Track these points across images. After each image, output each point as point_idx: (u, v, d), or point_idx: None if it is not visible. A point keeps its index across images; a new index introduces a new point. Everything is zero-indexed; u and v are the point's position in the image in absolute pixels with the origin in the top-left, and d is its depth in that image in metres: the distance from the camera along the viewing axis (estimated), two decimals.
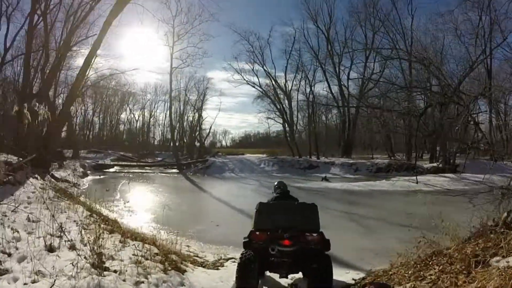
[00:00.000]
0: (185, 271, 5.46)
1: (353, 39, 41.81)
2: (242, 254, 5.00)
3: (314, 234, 5.00)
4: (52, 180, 16.25)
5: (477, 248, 4.44)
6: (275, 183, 6.42)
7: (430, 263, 5.14)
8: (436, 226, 10.24)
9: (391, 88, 34.49)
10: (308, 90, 45.36)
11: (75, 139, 43.83)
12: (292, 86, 46.09)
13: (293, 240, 4.77)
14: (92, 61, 22.10)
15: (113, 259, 4.65)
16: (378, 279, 5.71)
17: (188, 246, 8.48)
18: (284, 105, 45.48)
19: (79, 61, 35.65)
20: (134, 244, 5.54)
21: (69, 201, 9.99)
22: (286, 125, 45.49)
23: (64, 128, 43.22)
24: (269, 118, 48.02)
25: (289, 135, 45.40)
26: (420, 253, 5.89)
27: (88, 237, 5.11)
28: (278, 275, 5.33)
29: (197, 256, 7.36)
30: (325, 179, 25.68)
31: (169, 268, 5.02)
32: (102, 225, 6.82)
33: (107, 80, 45.50)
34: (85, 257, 4.26)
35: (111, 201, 15.35)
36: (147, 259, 5.00)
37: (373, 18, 39.08)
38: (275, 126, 51.06)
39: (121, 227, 8.12)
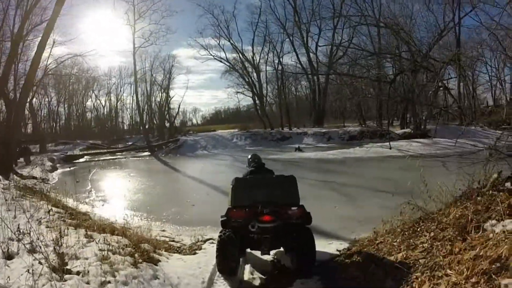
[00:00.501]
0: (158, 261, 4.97)
1: (321, 7, 41.06)
2: (220, 233, 4.82)
3: (295, 208, 4.79)
4: (18, 178, 15.22)
5: (466, 212, 4.17)
6: (249, 156, 6.18)
7: (419, 229, 4.88)
8: (415, 191, 10.30)
9: (361, 55, 34.79)
10: (276, 61, 44.82)
11: (41, 133, 42.35)
12: (260, 58, 45.48)
13: (273, 215, 4.57)
14: (48, 46, 20.71)
15: (76, 258, 4.12)
16: (365, 249, 5.44)
17: (163, 230, 8.07)
18: (253, 78, 44.99)
19: None
20: (101, 238, 5.01)
21: (35, 198, 9.26)
22: (256, 98, 45.10)
23: (29, 122, 41.82)
24: (238, 92, 47.49)
25: (260, 108, 45.07)
26: (405, 219, 5.61)
27: (51, 237, 4.58)
28: (259, 252, 5.14)
29: (173, 241, 6.92)
30: (299, 149, 25.66)
31: (140, 261, 4.51)
32: (67, 220, 6.26)
33: (68, 67, 44.58)
34: (45, 260, 3.71)
35: (83, 192, 14.59)
36: (115, 253, 4.48)
37: None
38: (245, 100, 50.65)
39: (91, 219, 7.61)
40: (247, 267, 5.33)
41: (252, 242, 4.83)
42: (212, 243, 6.43)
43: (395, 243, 4.90)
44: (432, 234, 4.37)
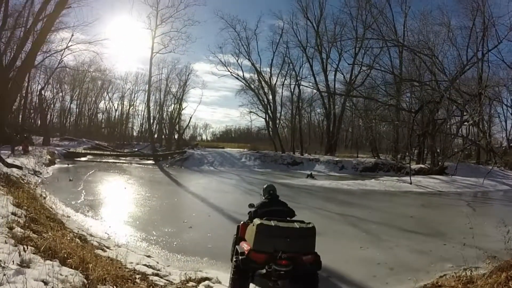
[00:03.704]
0: None
1: (343, 34, 40.23)
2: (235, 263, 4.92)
3: (309, 256, 4.86)
4: (0, 164, 13.86)
5: None
6: (265, 186, 6.17)
7: None
8: (447, 233, 8.83)
9: (382, 81, 33.81)
10: (293, 84, 43.76)
11: (47, 125, 41.53)
12: (277, 80, 44.67)
13: (290, 260, 4.66)
14: (65, 40, 20.16)
15: None
16: None
17: (148, 256, 6.46)
18: (268, 99, 43.79)
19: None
20: (43, 268, 3.46)
21: (2, 191, 7.85)
22: (269, 120, 43.89)
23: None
24: (252, 112, 46.22)
25: (272, 129, 43.85)
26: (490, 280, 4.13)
27: None
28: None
29: (157, 275, 5.24)
30: (311, 176, 24.06)
31: None
32: (16, 229, 4.75)
33: (86, 65, 45.20)
34: None
35: (72, 193, 13.67)
36: None
37: (365, 14, 37.66)
38: (257, 120, 49.83)
39: (61, 229, 6.12)
40: None
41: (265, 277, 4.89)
42: (209, 286, 4.99)
43: None
44: None
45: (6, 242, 3.96)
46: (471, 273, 5.40)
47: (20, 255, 3.69)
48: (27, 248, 3.94)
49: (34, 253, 3.91)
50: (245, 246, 5.02)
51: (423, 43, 29.27)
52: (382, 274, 6.38)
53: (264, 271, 4.76)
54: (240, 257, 4.86)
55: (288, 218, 5.49)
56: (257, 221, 4.96)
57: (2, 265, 3.37)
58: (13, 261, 3.54)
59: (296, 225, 5.02)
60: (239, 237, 5.59)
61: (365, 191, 19.01)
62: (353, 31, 39.23)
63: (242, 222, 5.75)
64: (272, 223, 4.95)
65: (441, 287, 5.40)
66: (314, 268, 4.91)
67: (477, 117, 21.83)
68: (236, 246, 5.27)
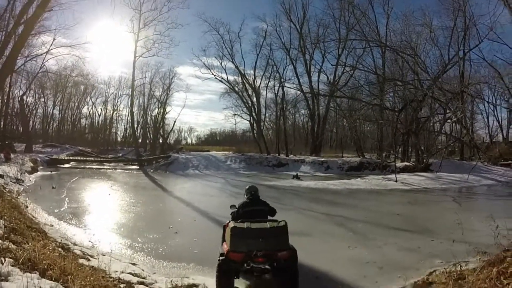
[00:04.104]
0: None
1: (326, 36, 40.40)
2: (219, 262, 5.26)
3: (284, 252, 5.24)
4: None
5: None
6: (247, 187, 6.49)
7: None
8: (434, 230, 8.87)
9: (365, 81, 34.11)
10: (277, 86, 43.78)
11: (29, 132, 40.73)
12: (261, 82, 44.60)
13: (265, 257, 5.10)
14: (47, 44, 19.91)
15: None
16: None
17: (133, 264, 6.27)
18: (252, 101, 43.70)
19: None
20: (22, 280, 3.29)
21: None
22: (254, 122, 43.84)
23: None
24: (236, 114, 46.22)
25: (257, 131, 43.82)
26: (481, 275, 4.10)
27: None
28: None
29: (143, 283, 5.06)
30: (297, 177, 23.99)
31: None
32: None
33: (68, 70, 44.89)
34: None
35: (55, 200, 13.37)
36: None
37: (348, 16, 37.71)
38: (242, 123, 49.72)
39: (42, 239, 5.89)
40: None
41: (245, 273, 5.41)
42: None
43: None
44: None
45: None
46: (461, 269, 5.39)
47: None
48: (5, 260, 3.74)
49: (12, 265, 3.71)
50: (224, 247, 5.48)
51: (406, 43, 29.74)
52: (371, 273, 6.31)
53: (246, 268, 5.15)
54: (220, 258, 5.31)
55: (269, 217, 5.97)
56: (231, 224, 5.45)
57: None
58: None
59: (268, 225, 5.43)
60: (223, 237, 5.98)
61: (351, 190, 19.03)
62: (336, 33, 39.45)
63: (226, 223, 5.98)
64: (245, 225, 5.34)
65: (432, 283, 5.38)
66: (289, 263, 5.27)
67: (460, 114, 22.12)
68: (219, 247, 5.82)
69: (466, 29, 30.63)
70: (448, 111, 25.43)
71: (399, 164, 28.04)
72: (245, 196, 6.29)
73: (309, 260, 6.57)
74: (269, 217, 6.00)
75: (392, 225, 10.43)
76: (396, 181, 21.36)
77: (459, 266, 5.49)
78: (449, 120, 26.39)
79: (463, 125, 27.72)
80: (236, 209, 6.11)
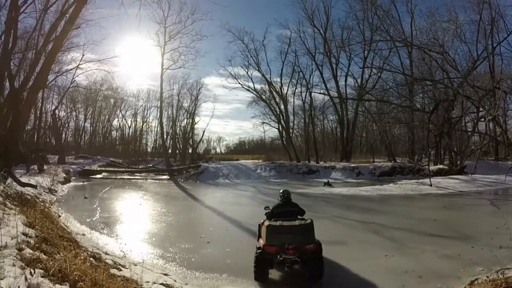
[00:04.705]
0: None
1: (351, 38, 39.98)
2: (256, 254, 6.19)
3: (311, 245, 6.12)
4: (13, 184, 13.75)
5: None
6: (281, 191, 7.41)
7: None
8: (475, 236, 8.55)
9: (393, 82, 33.30)
10: (304, 92, 43.45)
11: (61, 144, 42.12)
12: (288, 89, 44.39)
13: (295, 249, 5.91)
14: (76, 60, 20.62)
15: None
16: None
17: (165, 274, 6.25)
18: (280, 109, 43.49)
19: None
20: None
21: (14, 210, 7.76)
22: (282, 130, 43.60)
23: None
24: (264, 123, 46.21)
25: (286, 139, 43.51)
26: None
27: None
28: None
29: None
30: (328, 184, 23.61)
31: None
32: (26, 250, 4.57)
33: (98, 84, 46.62)
34: None
35: (87, 210, 13.60)
36: None
37: (371, 17, 37.24)
38: (270, 131, 49.54)
39: (74, 249, 5.96)
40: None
41: (278, 264, 6.23)
42: None
43: None
44: None
45: (14, 265, 3.80)
46: (504, 276, 5.08)
47: (26, 279, 3.51)
48: (35, 271, 3.76)
49: (42, 277, 3.73)
50: (261, 242, 6.40)
51: (433, 41, 28.73)
52: (411, 283, 6.06)
53: (279, 259, 5.92)
54: (257, 251, 6.21)
55: (299, 216, 6.81)
56: (266, 222, 6.48)
57: None
58: (18, 287, 3.37)
59: (297, 222, 6.43)
60: (259, 234, 6.89)
61: (384, 196, 18.54)
62: (360, 35, 39.07)
63: (262, 222, 6.92)
64: (278, 223, 6.37)
65: None
66: (315, 255, 6.12)
67: (494, 112, 21.12)
68: (256, 242, 6.75)
69: (493, 22, 29.48)
70: (481, 109, 24.35)
71: (432, 167, 27.11)
72: (279, 199, 7.22)
73: (346, 270, 6.59)
74: (298, 217, 6.81)
75: (430, 231, 10.00)
76: (431, 185, 20.66)
77: (502, 273, 5.17)
78: (482, 119, 25.19)
79: (498, 123, 26.46)
80: (270, 210, 7.01)
